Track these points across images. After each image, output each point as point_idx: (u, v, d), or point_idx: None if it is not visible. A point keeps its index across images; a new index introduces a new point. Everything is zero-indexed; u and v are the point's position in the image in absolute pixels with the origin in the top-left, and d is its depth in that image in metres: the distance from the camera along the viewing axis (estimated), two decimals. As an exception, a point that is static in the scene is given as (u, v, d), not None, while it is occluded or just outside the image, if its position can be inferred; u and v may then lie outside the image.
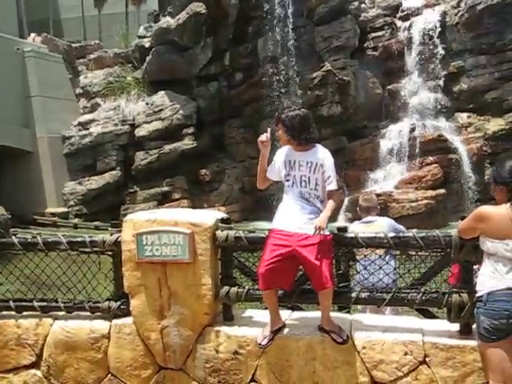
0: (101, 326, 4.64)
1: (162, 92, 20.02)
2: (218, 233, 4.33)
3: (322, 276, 3.92)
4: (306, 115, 4.30)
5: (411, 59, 18.75)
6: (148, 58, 20.53)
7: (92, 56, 24.29)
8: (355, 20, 19.11)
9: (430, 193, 16.24)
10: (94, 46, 25.37)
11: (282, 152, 4.36)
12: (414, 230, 4.12)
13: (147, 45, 21.35)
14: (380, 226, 5.44)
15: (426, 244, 3.96)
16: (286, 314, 4.49)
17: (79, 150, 20.25)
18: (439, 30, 18.36)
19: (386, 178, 17.62)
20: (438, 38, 18.31)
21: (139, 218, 4.44)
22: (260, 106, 19.13)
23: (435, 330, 4.10)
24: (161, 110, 19.75)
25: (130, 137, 19.95)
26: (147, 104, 20.28)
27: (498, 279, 3.56)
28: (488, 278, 3.61)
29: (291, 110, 4.32)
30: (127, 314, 4.60)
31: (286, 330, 4.27)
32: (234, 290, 4.36)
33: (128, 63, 22.75)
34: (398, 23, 19.45)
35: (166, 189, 19.08)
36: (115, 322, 4.62)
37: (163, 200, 18.86)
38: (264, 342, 4.22)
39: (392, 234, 4.12)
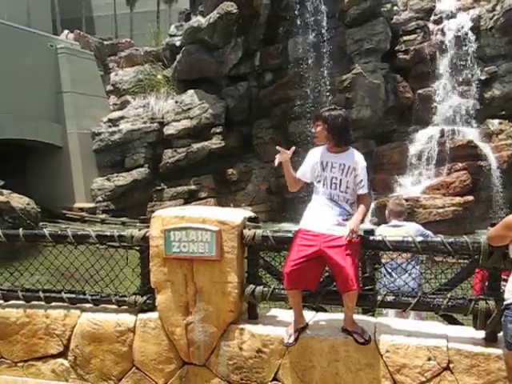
0: (127, 319, 4.70)
1: (192, 91, 20.14)
2: (246, 231, 4.36)
3: (347, 278, 3.92)
4: (348, 116, 4.34)
5: (443, 63, 18.57)
6: (178, 57, 20.66)
7: (123, 54, 24.56)
8: (387, 23, 18.98)
9: (458, 199, 16.06)
10: (125, 44, 25.65)
11: (316, 152, 4.37)
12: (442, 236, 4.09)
13: (178, 43, 21.50)
14: (407, 230, 5.42)
15: (454, 249, 3.94)
16: (310, 315, 4.50)
17: (108, 146, 20.48)
18: (473, 34, 18.15)
19: (414, 183, 17.49)
20: (471, 42, 18.09)
21: (168, 214, 4.49)
22: (289, 106, 19.13)
23: (460, 337, 4.06)
24: (190, 108, 19.85)
25: (158, 134, 20.11)
26: (176, 102, 20.41)
27: None
28: (517, 286, 3.59)
29: (332, 108, 4.33)
30: (153, 308, 4.66)
31: (309, 331, 4.28)
32: (260, 288, 4.39)
33: (158, 61, 22.95)
34: (431, 26, 19.26)
35: (193, 187, 19.18)
36: (141, 316, 4.68)
37: (190, 198, 18.96)
38: (291, 340, 4.23)
39: (420, 239, 4.10)
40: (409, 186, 17.48)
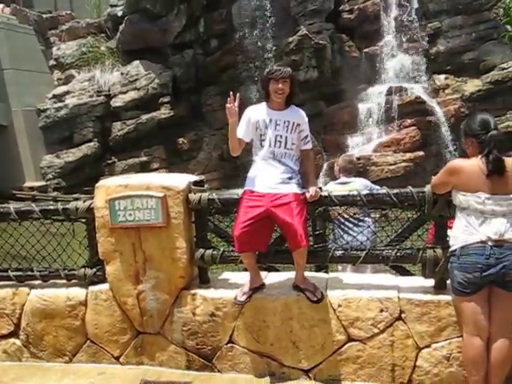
0: (77, 293, 4.63)
1: (137, 61, 19.66)
2: (191, 195, 4.29)
3: (296, 234, 3.91)
4: None
5: (387, 21, 18.50)
6: (121, 27, 20.09)
7: (64, 27, 23.72)
8: (330, -18, 18.79)
9: (409, 155, 16.19)
10: (65, 17, 24.77)
11: (257, 110, 4.28)
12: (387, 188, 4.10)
13: (120, 14, 20.86)
14: (355, 186, 5.44)
15: (400, 200, 3.96)
16: (262, 276, 4.48)
17: (55, 122, 19.90)
18: (415, -10, 18.17)
19: (365, 142, 17.56)
20: (414, -1, 18.12)
21: (111, 184, 4.39)
22: (236, 72, 18.89)
23: (410, 287, 4.13)
24: (136, 79, 19.41)
25: (105, 108, 19.61)
26: (122, 74, 19.93)
27: (471, 233, 3.56)
28: (461, 232, 3.61)
29: (284, 65, 4.28)
30: (103, 280, 4.58)
31: (261, 291, 4.27)
32: (209, 252, 4.35)
33: (101, 33, 22.27)
34: (374, -16, 19.17)
35: (144, 159, 18.89)
36: (91, 288, 4.60)
37: (142, 170, 18.60)
38: (242, 298, 4.23)
39: (365, 192, 4.12)
40: (360, 145, 17.53)
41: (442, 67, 18.11)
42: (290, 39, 18.52)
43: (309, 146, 4.29)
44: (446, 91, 17.94)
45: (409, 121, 16.96)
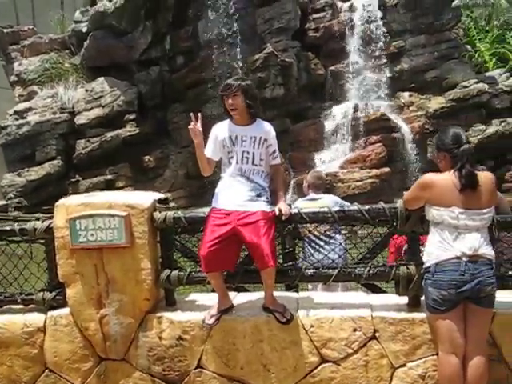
0: (35, 318, 4.38)
1: (102, 78, 19.40)
2: (156, 214, 4.12)
3: (263, 254, 3.78)
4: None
5: (353, 40, 18.67)
6: (85, 44, 19.84)
7: (26, 42, 23.34)
8: (296, 1, 18.89)
9: (375, 172, 16.25)
10: (27, 32, 24.36)
11: (222, 127, 4.16)
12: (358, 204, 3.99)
13: (84, 29, 20.60)
14: (324, 202, 5.33)
15: (372, 217, 3.87)
16: (230, 296, 4.32)
17: (16, 140, 19.45)
18: (379, 10, 18.33)
19: (331, 159, 17.59)
20: (378, 18, 18.23)
21: (71, 202, 4.19)
22: (202, 89, 18.79)
23: (384, 304, 4.03)
24: (101, 96, 19.13)
25: (69, 125, 19.27)
26: (86, 91, 19.64)
27: (445, 248, 3.50)
28: (435, 248, 3.55)
29: (241, 78, 4.15)
30: (63, 304, 4.35)
31: (230, 313, 4.11)
32: (175, 273, 4.18)
33: (65, 49, 21.95)
34: (339, 4, 19.34)
35: (109, 177, 18.56)
36: (51, 313, 4.36)
37: (107, 188, 18.24)
38: (211, 321, 4.06)
39: (336, 208, 4.00)
40: (327, 162, 17.55)
41: (406, 85, 18.32)
42: (257, 56, 18.51)
43: (277, 160, 4.18)
44: (411, 108, 18.14)
45: (375, 137, 17.05)
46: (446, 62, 18.05)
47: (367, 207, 3.88)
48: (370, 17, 18.48)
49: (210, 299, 4.31)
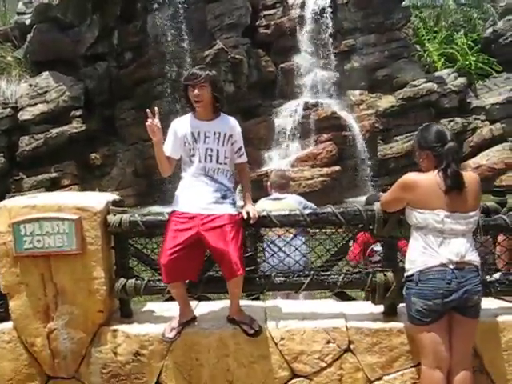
0: (-27, 333, 3.94)
1: (47, 73, 18.74)
2: (110, 217, 3.74)
3: (231, 262, 3.47)
4: None
5: (303, 37, 18.61)
6: (29, 37, 19.12)
7: (-35, 33, 22.39)
8: (247, -3, 18.68)
9: (326, 170, 16.22)
10: (-33, 23, 23.39)
11: (183, 123, 3.81)
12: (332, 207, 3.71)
13: (28, 22, 19.84)
14: (289, 203, 5.05)
15: (347, 220, 3.60)
16: (191, 306, 3.99)
17: (-44, 135, 18.66)
18: (330, 8, 18.29)
19: (282, 157, 17.44)
20: (329, 16, 18.21)
21: (15, 204, 3.76)
22: (151, 86, 18.36)
23: (358, 314, 3.77)
24: (46, 91, 18.49)
25: (12, 121, 18.55)
26: (30, 86, 18.93)
27: (430, 255, 3.24)
28: (418, 255, 3.29)
29: (205, 68, 3.82)
30: (6, 318, 3.91)
31: (193, 325, 3.78)
32: (132, 282, 3.80)
33: (7, 42, 21.15)
34: (290, 1, 19.23)
35: (54, 175, 17.94)
36: (-9, 328, 3.94)
37: (52, 187, 17.68)
38: (171, 335, 3.72)
39: (308, 211, 3.70)
40: (277, 160, 17.41)
41: (356, 83, 18.47)
42: (206, 53, 18.26)
43: (243, 158, 3.89)
44: (361, 107, 18.28)
45: (325, 136, 17.09)
46: (396, 61, 18.26)
47: (342, 209, 3.61)
48: (320, 14, 18.43)
49: (169, 309, 3.97)
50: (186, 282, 3.76)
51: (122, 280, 3.80)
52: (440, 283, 3.20)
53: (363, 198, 16.50)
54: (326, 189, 15.90)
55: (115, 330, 3.80)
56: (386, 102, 18.01)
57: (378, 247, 4.55)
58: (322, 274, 3.75)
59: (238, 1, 18.67)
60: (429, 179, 3.26)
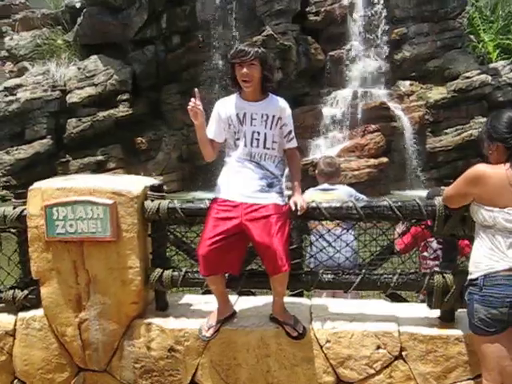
0: (3, 320, 3.76)
1: (95, 56, 18.90)
2: (148, 203, 3.50)
3: (275, 257, 3.18)
4: None
5: (354, 25, 18.27)
6: (79, 20, 19.27)
7: (18, 16, 22.68)
8: (297, -17, 18.36)
9: (373, 161, 15.92)
10: (19, 6, 23.71)
11: (228, 103, 3.52)
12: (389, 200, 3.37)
13: (78, 5, 20.05)
14: (339, 195, 4.74)
15: (404, 215, 3.26)
16: (231, 300, 3.73)
17: (6, 117, 18.91)
18: (382, -5, 17.92)
19: (328, 147, 17.18)
20: (380, 3, 17.81)
21: (49, 186, 3.55)
22: (198, 71, 18.28)
23: (412, 318, 3.44)
24: (94, 75, 18.64)
25: (61, 103, 18.77)
26: (79, 69, 19.11)
27: (498, 258, 2.88)
28: (484, 257, 2.93)
29: (255, 44, 3.54)
30: (37, 305, 3.74)
31: (232, 321, 3.52)
32: (168, 273, 3.56)
33: (58, 25, 21.34)
34: (341, -12, 18.89)
35: (100, 158, 18.11)
36: (22, 315, 3.75)
37: (98, 170, 17.85)
38: (209, 333, 3.47)
39: (362, 204, 3.37)
40: (323, 150, 17.16)
41: (407, 73, 18.18)
42: (255, 39, 18.04)
43: (293, 143, 3.57)
44: (411, 98, 17.97)
45: (373, 126, 16.87)
46: (448, 51, 17.79)
47: (399, 203, 3.27)
48: (372, 2, 18.11)
49: (208, 302, 3.73)
50: (226, 275, 3.50)
51: (159, 270, 3.56)
52: (507, 290, 2.84)
53: (410, 192, 16.28)
54: (373, 180, 15.68)
55: (149, 324, 3.58)
56: (437, 93, 17.65)
57: (433, 243, 4.19)
58: (375, 273, 3.43)
59: (288, -13, 18.40)
60: (499, 173, 2.89)
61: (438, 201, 3.20)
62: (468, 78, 16.80)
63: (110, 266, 3.51)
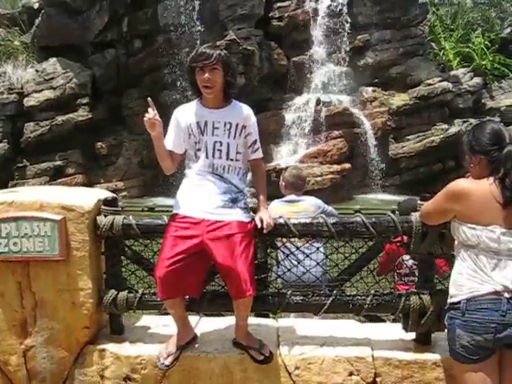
0: None
1: (54, 59, 18.48)
2: (101, 219, 3.22)
3: (239, 280, 2.94)
4: None
5: (317, 31, 18.28)
6: (37, 21, 18.82)
7: (-28, 17, 22.06)
8: (260, -12, 18.26)
9: (336, 167, 15.96)
10: (-26, 6, 23.06)
11: (187, 110, 3.27)
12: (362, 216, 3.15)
13: (36, 6, 19.62)
14: (305, 206, 4.52)
15: (379, 232, 3.05)
16: (192, 322, 3.47)
17: (-41, 120, 18.36)
18: (346, 2, 17.94)
19: (291, 153, 17.12)
20: (343, 10, 17.87)
21: (-9, 200, 3.25)
22: (160, 75, 18.02)
23: (386, 340, 3.23)
24: (52, 78, 18.23)
25: (17, 107, 18.30)
26: (37, 71, 18.66)
27: (481, 280, 2.67)
28: (466, 279, 2.72)
29: (217, 46, 3.30)
30: (-23, 331, 3.43)
31: (193, 346, 3.26)
32: (124, 294, 3.28)
33: (15, 26, 20.83)
34: (305, -7, 18.87)
35: (58, 163, 17.70)
36: (-40, 342, 3.44)
37: (56, 175, 17.48)
38: (168, 362, 3.20)
39: (334, 220, 3.14)
40: (286, 156, 17.09)
41: (369, 80, 18.38)
42: (218, 43, 17.85)
43: (258, 154, 3.33)
44: (373, 104, 18.13)
45: (336, 132, 16.98)
46: (410, 58, 17.98)
47: (373, 219, 3.06)
48: (335, 8, 18.25)
49: (167, 325, 3.46)
50: (187, 297, 3.23)
51: (113, 292, 3.28)
52: (492, 315, 2.65)
53: (372, 196, 16.32)
54: (336, 187, 15.75)
55: (103, 350, 3.30)
56: (399, 99, 17.82)
57: (407, 258, 4.02)
58: (347, 294, 3.21)
59: (252, -9, 18.31)
60: (482, 188, 2.69)
61: (414, 216, 3.00)
62: (430, 84, 16.95)
63: (59, 288, 3.23)
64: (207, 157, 3.16)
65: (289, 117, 17.32)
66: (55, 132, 17.64)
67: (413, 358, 3.09)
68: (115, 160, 17.98)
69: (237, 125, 3.19)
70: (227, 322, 3.49)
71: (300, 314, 4.08)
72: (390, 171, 16.52)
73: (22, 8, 20.79)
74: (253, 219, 3.13)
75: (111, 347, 3.31)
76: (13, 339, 3.30)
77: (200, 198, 3.10)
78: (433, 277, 3.13)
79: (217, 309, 3.44)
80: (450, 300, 2.82)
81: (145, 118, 3.17)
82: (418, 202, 3.02)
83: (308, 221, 3.17)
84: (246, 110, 3.29)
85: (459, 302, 2.74)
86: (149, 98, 3.23)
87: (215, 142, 3.16)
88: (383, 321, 3.74)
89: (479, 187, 2.71)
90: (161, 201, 15.61)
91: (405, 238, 3.17)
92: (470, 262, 2.74)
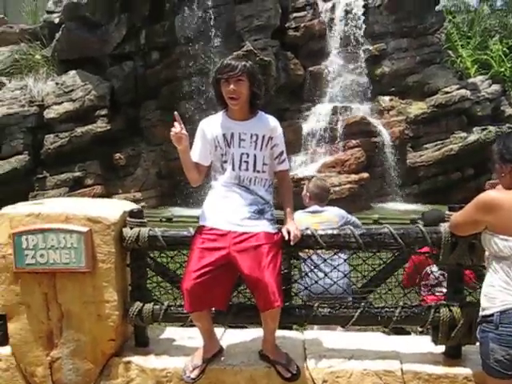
0: (-35, 359, 3.45)
1: (73, 71, 18.71)
2: (126, 231, 3.22)
3: (267, 292, 2.91)
4: None
5: (333, 41, 18.30)
6: (57, 35, 19.08)
7: (-5, 31, 22.42)
8: (277, -1, 18.36)
9: (353, 177, 15.91)
10: (-3, 21, 23.44)
11: (214, 122, 3.26)
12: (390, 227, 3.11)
13: (57, 21, 19.87)
14: (329, 217, 4.50)
15: (407, 243, 3.01)
16: (217, 334, 3.45)
17: (-19, 132, 18.61)
18: (361, 11, 17.95)
19: (309, 162, 17.09)
20: (360, 19, 17.87)
21: (18, 212, 3.26)
22: (177, 86, 18.15)
23: (414, 354, 3.18)
24: (72, 90, 18.44)
25: (38, 119, 18.54)
26: (57, 84, 18.89)
27: None
28: (499, 291, 2.68)
29: (242, 58, 3.29)
30: (3, 342, 3.44)
31: (219, 359, 3.23)
32: (149, 307, 3.28)
33: (36, 40, 21.14)
34: (320, 4, 18.92)
35: (78, 174, 17.85)
36: (-14, 353, 3.45)
37: (75, 186, 17.64)
38: (194, 375, 3.17)
39: (361, 231, 3.11)
40: (304, 165, 17.07)
41: (386, 89, 18.25)
42: (235, 54, 17.94)
43: (285, 165, 3.30)
44: (391, 113, 18.05)
45: (354, 141, 16.93)
46: (427, 66, 17.89)
47: (401, 230, 3.02)
48: (351, 18, 18.22)
49: (193, 337, 3.44)
50: (213, 309, 3.22)
51: (138, 304, 3.28)
52: None
53: (390, 205, 16.26)
54: (354, 196, 15.69)
55: (128, 362, 3.29)
56: (417, 108, 17.74)
57: (435, 269, 3.96)
58: (375, 306, 3.17)
59: (268, 2, 18.47)
60: None
61: (443, 227, 2.95)
62: (447, 92, 16.86)
63: (85, 300, 3.23)
64: (234, 169, 3.15)
65: (306, 127, 17.32)
66: (74, 143, 17.80)
67: (443, 372, 3.03)
68: (133, 171, 18.11)
69: (263, 136, 3.18)
70: (252, 334, 3.47)
71: (324, 325, 4.06)
72: (408, 180, 16.40)
73: (43, 23, 21.10)
74: (279, 230, 3.11)
75: (136, 360, 3.30)
76: (39, 350, 3.30)
77: (226, 210, 3.08)
78: (462, 288, 3.08)
79: (243, 321, 3.42)
80: (482, 313, 2.78)
81: (171, 133, 3.15)
82: (447, 212, 2.98)
83: (335, 232, 3.14)
84: (273, 122, 3.27)
85: (492, 315, 2.69)
86: (175, 112, 3.21)
87: (242, 153, 3.15)
88: (409, 333, 3.67)
89: (510, 198, 2.67)
90: (178, 211, 15.67)
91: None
92: (502, 273, 2.69)
